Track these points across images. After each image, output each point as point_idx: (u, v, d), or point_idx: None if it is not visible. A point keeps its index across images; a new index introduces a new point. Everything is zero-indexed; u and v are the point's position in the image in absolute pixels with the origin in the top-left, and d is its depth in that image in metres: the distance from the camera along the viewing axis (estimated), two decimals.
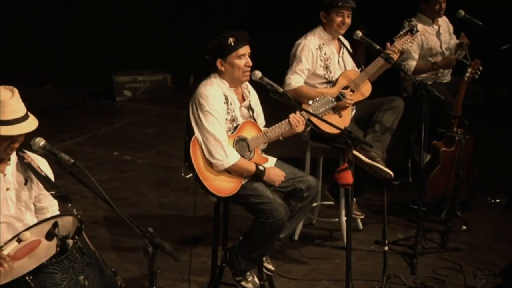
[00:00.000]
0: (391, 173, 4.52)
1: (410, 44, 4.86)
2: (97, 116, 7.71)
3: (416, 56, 5.46)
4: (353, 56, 4.91)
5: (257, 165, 3.91)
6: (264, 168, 3.93)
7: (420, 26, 5.38)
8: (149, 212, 5.29)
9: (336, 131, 3.93)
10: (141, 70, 8.54)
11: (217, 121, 3.82)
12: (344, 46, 4.81)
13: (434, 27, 5.56)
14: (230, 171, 3.87)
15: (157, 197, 5.58)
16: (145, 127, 7.34)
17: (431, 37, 5.52)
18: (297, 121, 3.97)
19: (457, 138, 4.93)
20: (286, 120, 3.99)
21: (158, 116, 7.78)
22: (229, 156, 3.81)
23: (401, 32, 4.79)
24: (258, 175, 3.90)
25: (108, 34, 9.22)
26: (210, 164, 3.85)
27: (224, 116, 3.89)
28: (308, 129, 4.44)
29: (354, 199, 4.90)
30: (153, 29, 9.52)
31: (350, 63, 4.81)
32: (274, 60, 5.48)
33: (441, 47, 5.56)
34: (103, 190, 2.98)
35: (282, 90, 3.85)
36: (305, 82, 4.63)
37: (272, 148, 4.23)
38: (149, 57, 8.97)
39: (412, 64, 5.42)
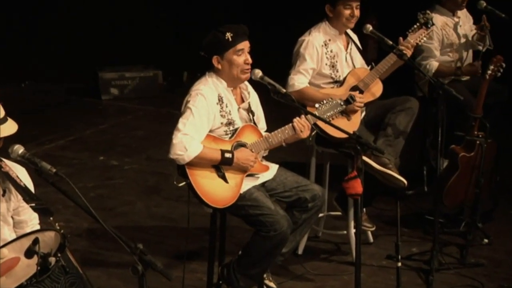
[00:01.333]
0: (405, 181, 4.53)
1: (425, 38, 4.87)
2: (81, 117, 7.71)
3: (438, 54, 5.47)
4: (363, 51, 4.93)
5: (222, 152, 3.88)
6: (233, 154, 3.90)
7: (439, 19, 5.39)
8: (138, 224, 5.30)
9: (344, 135, 3.95)
10: (130, 65, 8.54)
11: (193, 121, 3.83)
12: (353, 41, 4.82)
13: (454, 20, 5.57)
14: (227, 179, 3.90)
15: (147, 206, 5.59)
16: (134, 129, 7.35)
17: (451, 31, 5.53)
18: (302, 125, 3.98)
19: (477, 142, 4.94)
20: (290, 124, 4.00)
21: (148, 117, 7.78)
22: (189, 149, 3.79)
23: (415, 26, 4.79)
24: (225, 163, 3.90)
25: (93, 27, 9.22)
26: (205, 171, 3.87)
27: (206, 120, 3.89)
28: (313, 133, 4.45)
29: (364, 209, 4.90)
30: (142, 21, 9.51)
31: (359, 60, 4.83)
32: (276, 58, 5.51)
33: (461, 40, 5.57)
34: (88, 199, 2.97)
35: (284, 90, 3.88)
36: (309, 82, 4.63)
37: (274, 153, 4.24)
38: (139, 51, 8.98)
39: (434, 65, 5.42)
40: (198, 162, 3.84)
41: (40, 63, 8.92)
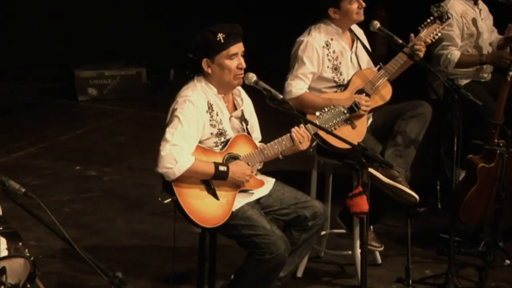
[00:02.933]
0: (416, 196, 4.56)
1: (439, 34, 4.88)
2: (55, 121, 7.71)
3: (460, 42, 5.50)
4: (371, 48, 4.95)
5: (216, 165, 3.91)
6: (227, 167, 3.93)
7: (459, 6, 5.43)
8: (119, 242, 5.32)
9: (348, 146, 3.97)
10: (110, 63, 8.54)
11: (182, 128, 3.87)
12: (358, 38, 4.84)
13: (475, 10, 5.60)
14: (218, 196, 3.93)
15: (129, 223, 5.60)
16: (114, 135, 7.36)
17: (471, 22, 5.54)
18: (301, 136, 4.01)
19: (498, 151, 4.95)
20: (288, 135, 4.03)
21: (130, 121, 7.79)
22: (179, 161, 3.82)
23: (428, 20, 4.81)
24: (220, 177, 3.93)
25: (68, 19, 9.21)
26: (193, 187, 3.90)
27: (196, 130, 3.93)
28: (314, 143, 4.46)
29: (371, 227, 4.93)
30: (124, 13, 9.50)
31: (366, 60, 4.85)
32: (274, 59, 5.50)
33: (483, 35, 5.59)
34: (62, 215, 3.00)
35: (282, 97, 3.90)
36: (309, 87, 4.66)
37: (270, 163, 4.23)
38: (119, 47, 8.98)
39: (456, 54, 5.45)
40: (188, 176, 3.87)
41: (8, 59, 8.91)
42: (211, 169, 3.90)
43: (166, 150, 3.83)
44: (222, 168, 3.91)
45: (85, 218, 5.63)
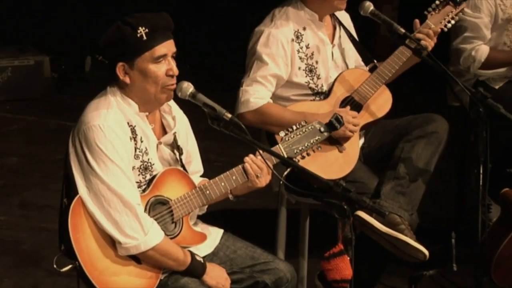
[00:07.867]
0: (426, 252, 4.61)
1: (452, 21, 4.92)
2: None
3: (489, 34, 5.60)
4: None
5: (192, 254, 3.99)
6: (204, 261, 4.01)
7: None
8: None
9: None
10: None
11: (122, 173, 3.89)
12: (342, 26, 4.92)
13: None
14: (140, 259, 3.97)
15: (21, 286, 5.61)
16: (1, 155, 7.40)
17: (509, 2, 5.64)
18: (257, 168, 4.04)
19: None
20: (239, 166, 4.06)
21: (26, 133, 7.82)
22: (148, 232, 3.87)
23: (437, 2, 4.89)
24: (193, 271, 3.99)
25: None
26: (106, 248, 3.93)
27: (131, 163, 3.96)
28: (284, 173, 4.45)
29: None
30: None
31: (353, 55, 4.93)
32: (221, 61, 5.50)
33: None
34: None
35: (230, 116, 3.87)
36: (274, 95, 4.74)
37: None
38: (11, 26, 9.00)
39: (484, 50, 5.56)
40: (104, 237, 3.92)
41: None
42: (185, 257, 3.98)
43: (118, 210, 3.86)
44: (199, 258, 4.02)
45: None
